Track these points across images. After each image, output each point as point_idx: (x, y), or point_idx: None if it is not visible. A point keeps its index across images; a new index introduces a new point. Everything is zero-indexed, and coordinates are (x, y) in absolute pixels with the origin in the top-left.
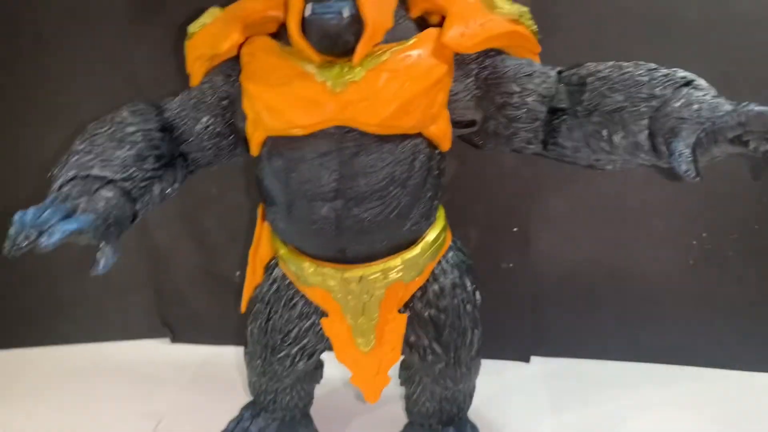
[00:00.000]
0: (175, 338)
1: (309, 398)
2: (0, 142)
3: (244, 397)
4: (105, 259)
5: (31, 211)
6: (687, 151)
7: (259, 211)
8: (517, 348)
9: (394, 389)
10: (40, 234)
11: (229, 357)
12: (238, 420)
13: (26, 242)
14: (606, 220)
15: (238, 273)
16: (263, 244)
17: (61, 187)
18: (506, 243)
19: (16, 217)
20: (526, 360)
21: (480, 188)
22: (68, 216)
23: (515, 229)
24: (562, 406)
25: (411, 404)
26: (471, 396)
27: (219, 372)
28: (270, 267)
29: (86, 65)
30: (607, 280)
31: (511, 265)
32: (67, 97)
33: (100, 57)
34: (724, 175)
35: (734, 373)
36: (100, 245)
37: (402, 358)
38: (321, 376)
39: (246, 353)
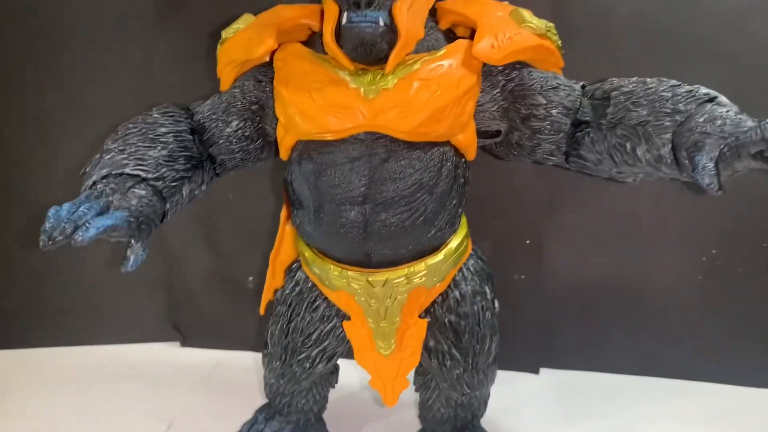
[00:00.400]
0: (185, 342)
1: (323, 402)
2: (23, 144)
3: (253, 401)
4: (135, 256)
5: (66, 207)
6: (710, 165)
7: (282, 215)
8: (527, 359)
9: (408, 395)
10: (76, 229)
11: (240, 361)
12: (252, 422)
13: (61, 237)
14: (617, 235)
15: (251, 278)
16: (285, 247)
17: (94, 184)
18: (518, 255)
19: (51, 212)
20: (536, 371)
21: (493, 201)
22: (102, 212)
23: (528, 242)
24: (571, 418)
25: (425, 410)
26: (485, 403)
27: (229, 376)
28: (292, 270)
29: (109, 68)
30: (617, 294)
31: (522, 276)
32: (88, 100)
33: (123, 60)
34: (736, 192)
35: (744, 389)
36: (130, 242)
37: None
38: (336, 381)
39: (265, 355)
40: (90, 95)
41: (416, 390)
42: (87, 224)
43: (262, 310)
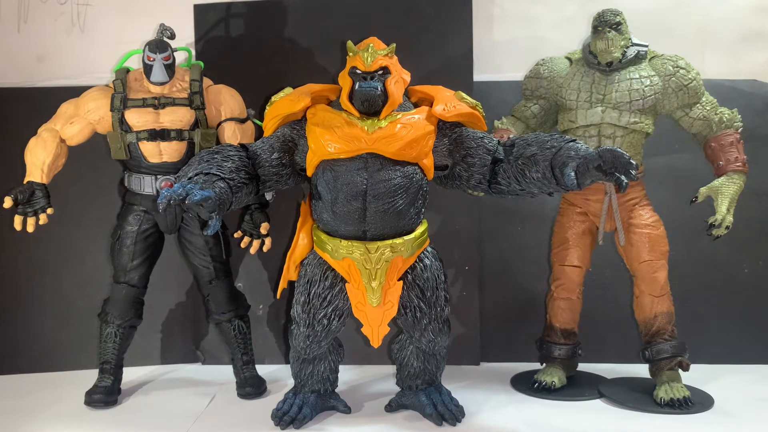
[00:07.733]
0: (205, 361)
1: (336, 374)
2: None
3: (265, 403)
4: (213, 225)
5: (177, 185)
6: (572, 174)
7: (299, 224)
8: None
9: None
10: (186, 196)
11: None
12: (284, 400)
13: (176, 199)
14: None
15: (261, 307)
16: (299, 248)
17: (189, 179)
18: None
19: (164, 191)
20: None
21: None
22: (201, 190)
23: (467, 267)
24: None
25: (402, 370)
26: (444, 360)
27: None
28: (305, 263)
29: None
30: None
31: (464, 293)
32: None
33: None
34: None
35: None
36: (211, 216)
37: (394, 333)
38: (343, 355)
39: (291, 331)
40: None
41: (394, 357)
42: (194, 193)
43: (278, 295)
